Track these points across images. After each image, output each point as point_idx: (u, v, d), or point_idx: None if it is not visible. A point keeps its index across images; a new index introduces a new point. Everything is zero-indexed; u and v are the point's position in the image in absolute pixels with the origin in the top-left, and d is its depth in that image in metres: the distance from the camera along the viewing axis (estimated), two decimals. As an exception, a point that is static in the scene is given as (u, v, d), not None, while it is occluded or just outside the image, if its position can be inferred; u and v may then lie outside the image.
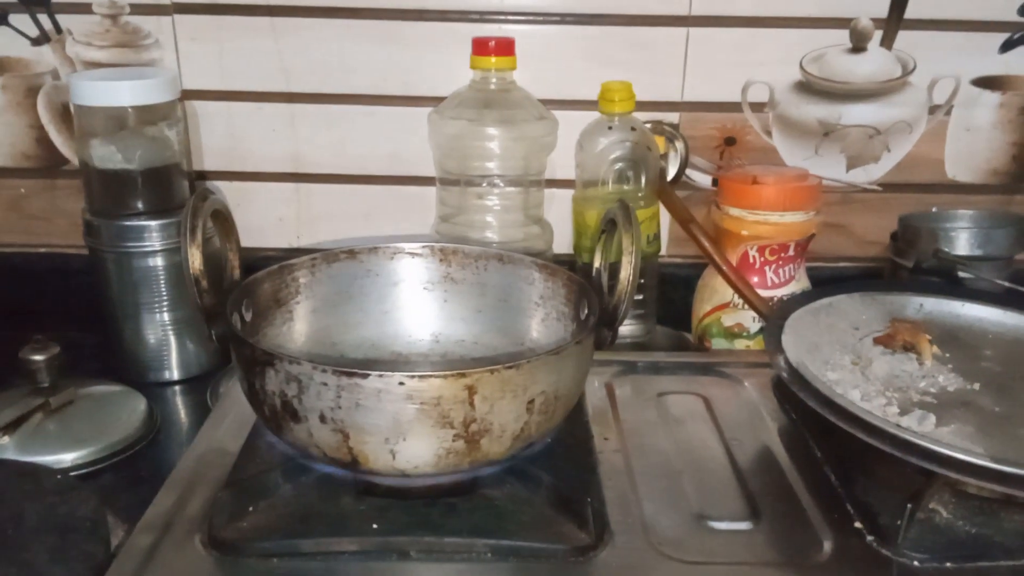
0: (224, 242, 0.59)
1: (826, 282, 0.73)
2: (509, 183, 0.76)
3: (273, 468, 0.53)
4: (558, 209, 0.81)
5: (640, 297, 0.77)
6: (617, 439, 0.60)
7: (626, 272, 0.53)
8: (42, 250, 0.86)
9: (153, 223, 0.71)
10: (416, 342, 0.65)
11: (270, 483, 0.52)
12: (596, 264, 0.61)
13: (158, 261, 0.72)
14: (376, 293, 0.65)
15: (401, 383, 0.46)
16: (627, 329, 0.77)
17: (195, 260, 0.51)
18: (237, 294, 0.56)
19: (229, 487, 0.52)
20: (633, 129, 0.74)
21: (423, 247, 0.66)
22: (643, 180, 0.74)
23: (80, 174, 0.75)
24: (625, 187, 0.74)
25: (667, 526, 0.51)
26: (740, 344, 0.76)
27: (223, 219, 0.58)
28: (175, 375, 0.75)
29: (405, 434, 0.47)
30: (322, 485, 0.52)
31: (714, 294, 0.76)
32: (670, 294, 0.82)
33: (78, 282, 0.78)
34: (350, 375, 0.46)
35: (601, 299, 0.57)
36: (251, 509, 0.50)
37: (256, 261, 0.64)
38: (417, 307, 0.66)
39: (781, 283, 0.75)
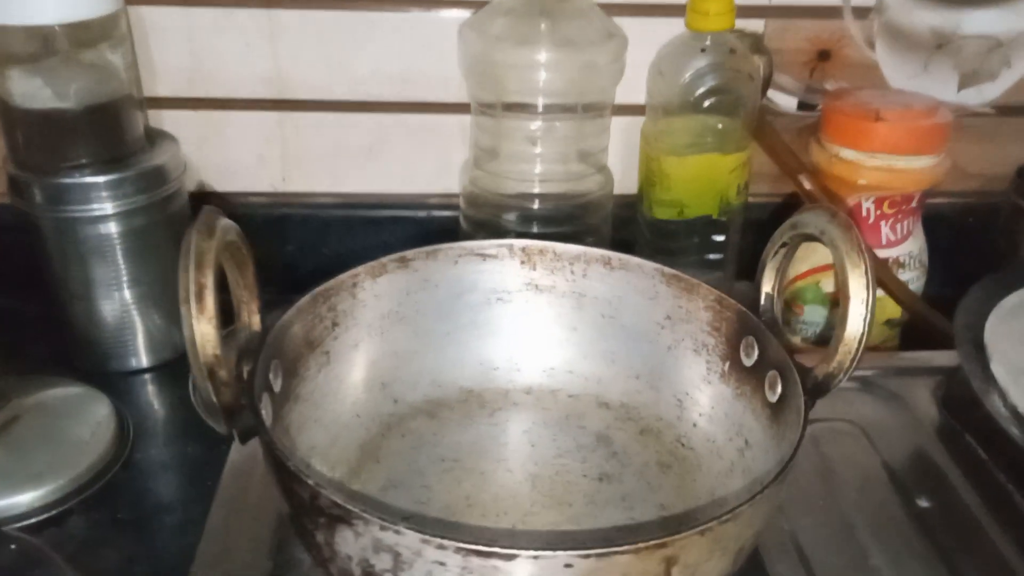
0: (237, 279, 0.41)
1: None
2: (563, 113, 0.59)
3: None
4: (615, 142, 0.65)
5: (721, 239, 0.63)
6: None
7: (854, 328, 0.37)
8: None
9: (101, 179, 0.55)
10: (489, 373, 0.50)
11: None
12: (765, 289, 0.45)
13: (111, 227, 0.56)
14: (434, 310, 0.49)
15: (568, 565, 0.29)
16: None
17: (207, 342, 0.33)
18: (264, 356, 0.39)
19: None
20: (732, 52, 0.57)
21: (498, 246, 0.49)
22: (739, 118, 0.58)
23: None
24: (719, 127, 0.58)
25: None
26: (844, 316, 0.63)
27: (235, 249, 0.39)
28: (143, 362, 0.61)
29: None
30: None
31: (814, 252, 0.62)
32: (750, 241, 0.67)
33: (6, 241, 0.60)
34: (486, 555, 0.29)
35: (781, 340, 0.42)
36: None
37: (234, 209, 0.47)
38: (488, 325, 0.50)
39: (896, 241, 0.62)
